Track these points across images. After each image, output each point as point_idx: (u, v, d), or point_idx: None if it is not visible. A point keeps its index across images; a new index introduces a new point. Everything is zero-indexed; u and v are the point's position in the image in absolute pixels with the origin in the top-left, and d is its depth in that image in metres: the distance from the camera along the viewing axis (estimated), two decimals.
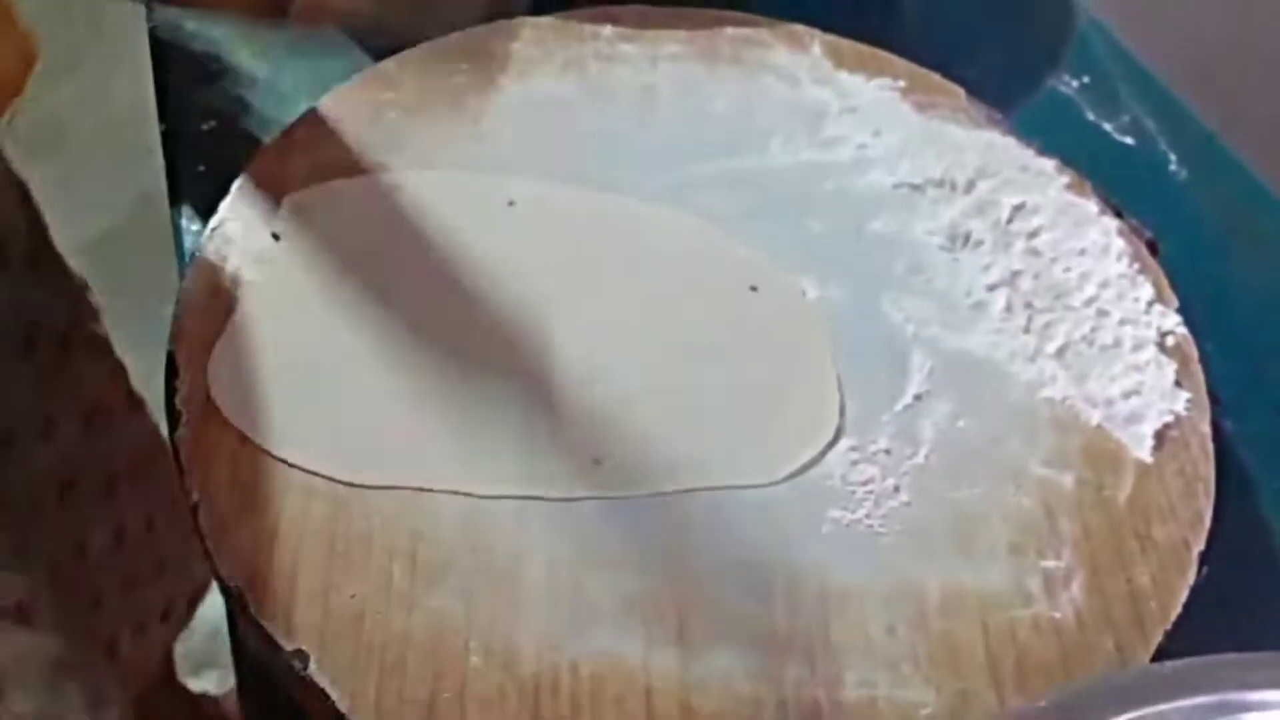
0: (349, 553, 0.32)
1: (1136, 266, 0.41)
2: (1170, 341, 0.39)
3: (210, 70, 0.50)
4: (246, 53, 0.51)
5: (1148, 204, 0.49)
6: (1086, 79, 0.56)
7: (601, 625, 0.31)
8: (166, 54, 0.51)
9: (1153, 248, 0.42)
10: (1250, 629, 0.30)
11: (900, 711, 0.30)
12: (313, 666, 0.30)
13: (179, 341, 0.36)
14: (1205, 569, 0.34)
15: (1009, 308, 0.39)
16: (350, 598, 0.31)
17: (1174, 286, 0.41)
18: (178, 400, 0.34)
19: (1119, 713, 0.25)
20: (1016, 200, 0.41)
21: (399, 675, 0.29)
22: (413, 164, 0.41)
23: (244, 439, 0.33)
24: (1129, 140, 0.54)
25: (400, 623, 0.30)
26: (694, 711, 0.29)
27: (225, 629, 0.36)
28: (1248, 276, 0.48)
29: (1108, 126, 0.54)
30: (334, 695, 0.29)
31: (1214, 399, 0.38)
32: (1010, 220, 0.40)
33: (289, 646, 0.30)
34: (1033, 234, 0.40)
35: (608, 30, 0.48)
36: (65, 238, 0.50)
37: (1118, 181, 0.51)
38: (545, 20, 0.48)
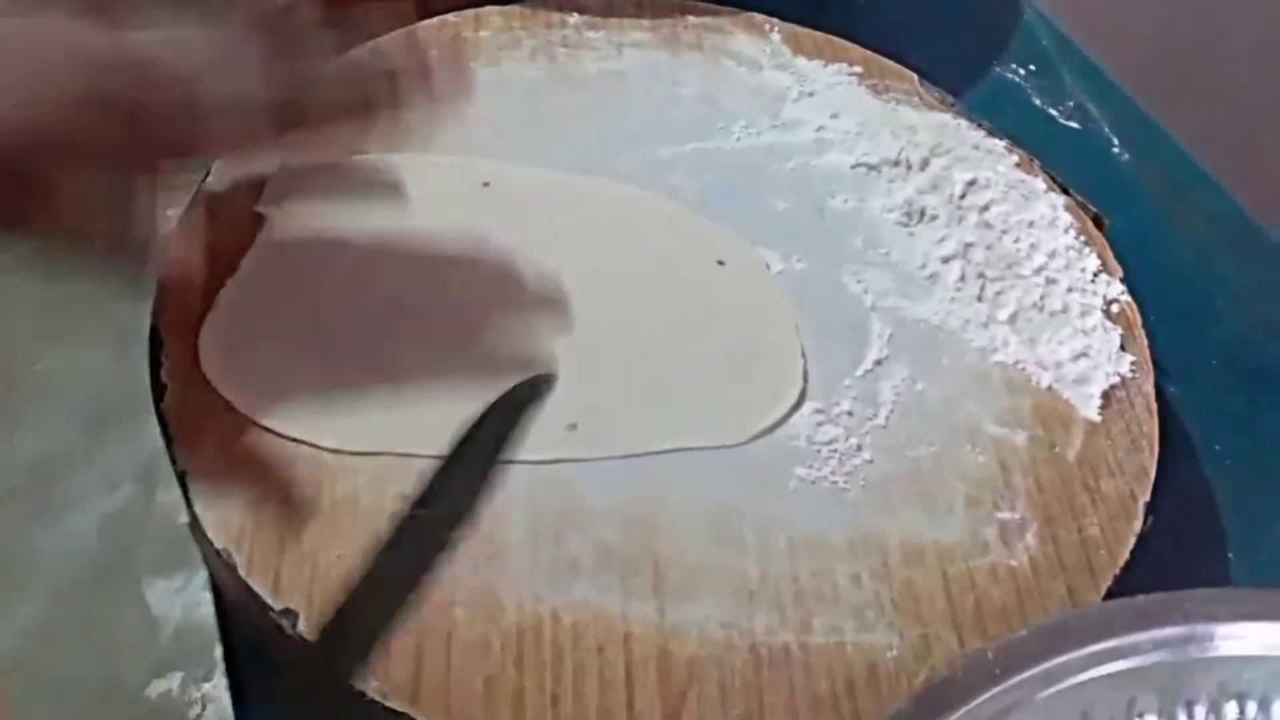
0: (335, 515, 0.33)
1: (1083, 239, 0.43)
2: (1115, 309, 0.41)
3: None
4: None
5: (1093, 184, 0.52)
6: (1033, 67, 0.59)
7: (581, 578, 0.32)
8: None
9: (1098, 222, 0.45)
10: (1192, 577, 0.32)
11: (866, 655, 0.32)
12: (301, 624, 0.31)
13: (163, 315, 0.36)
14: (1151, 519, 0.36)
15: (963, 277, 0.40)
16: (337, 557, 0.32)
17: (1119, 259, 0.44)
18: (163, 372, 0.35)
19: (1096, 641, 0.27)
20: (968, 176, 0.43)
21: None
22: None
23: (230, 409, 0.34)
24: (1074, 125, 0.56)
25: None
26: (671, 656, 0.31)
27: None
28: (1186, 250, 0.50)
29: (1053, 112, 0.57)
30: None
31: (1156, 366, 0.40)
32: (963, 195, 0.42)
33: (278, 606, 0.31)
34: (984, 208, 0.42)
35: (574, 19, 0.49)
36: None
37: (1064, 163, 0.53)
38: (514, 9, 0.49)
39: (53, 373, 0.38)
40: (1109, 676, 0.27)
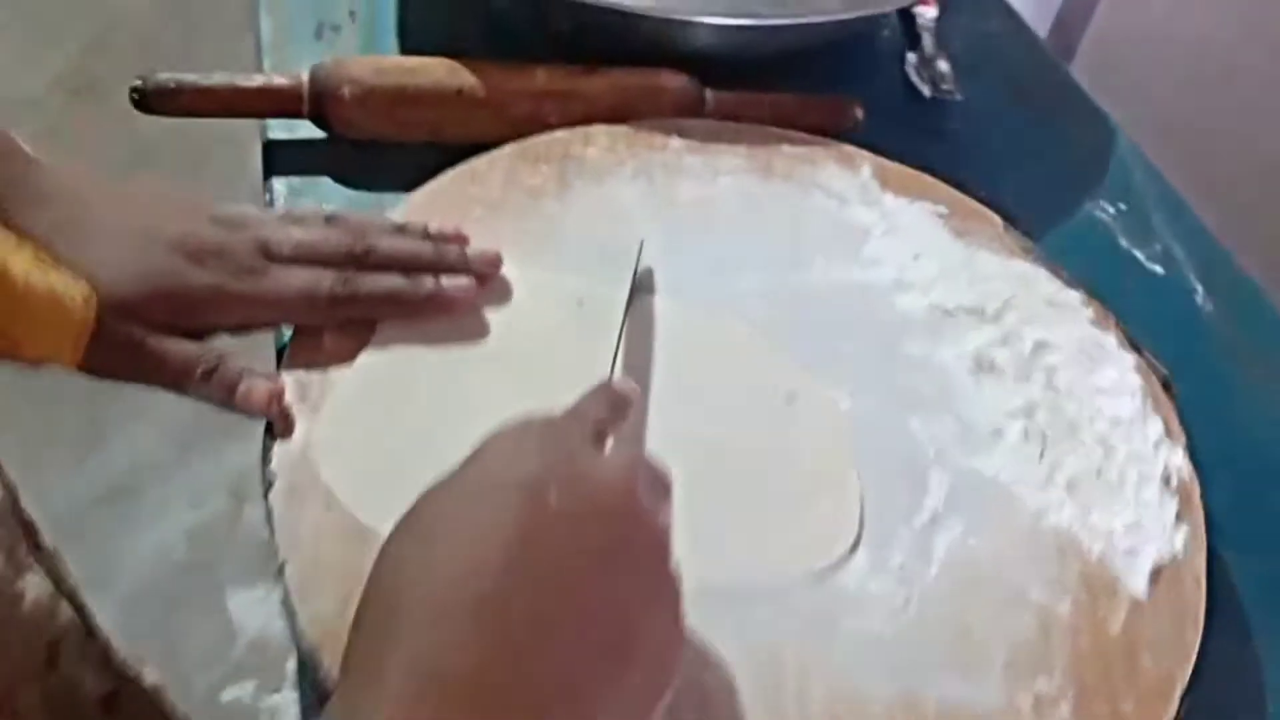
0: None
1: (1150, 403, 0.44)
2: (1174, 479, 0.42)
3: None
4: None
5: (1170, 333, 0.53)
6: (1122, 206, 0.60)
7: None
8: None
9: (1166, 385, 0.45)
10: None
11: None
12: None
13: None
14: (1187, 702, 0.37)
15: (1025, 436, 0.42)
16: None
17: (1184, 421, 0.44)
18: (273, 465, 0.39)
19: None
20: (1039, 335, 0.44)
21: None
22: None
23: (330, 505, 0.38)
24: (1158, 269, 0.57)
25: None
26: None
27: None
28: (1255, 410, 0.51)
29: (1138, 254, 0.58)
30: None
31: (1212, 526, 0.41)
32: (1032, 354, 0.44)
33: None
34: (1052, 370, 0.43)
35: (676, 142, 0.52)
36: None
37: (1143, 309, 0.54)
38: (620, 129, 0.52)
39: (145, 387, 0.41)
40: None
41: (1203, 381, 0.50)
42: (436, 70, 0.54)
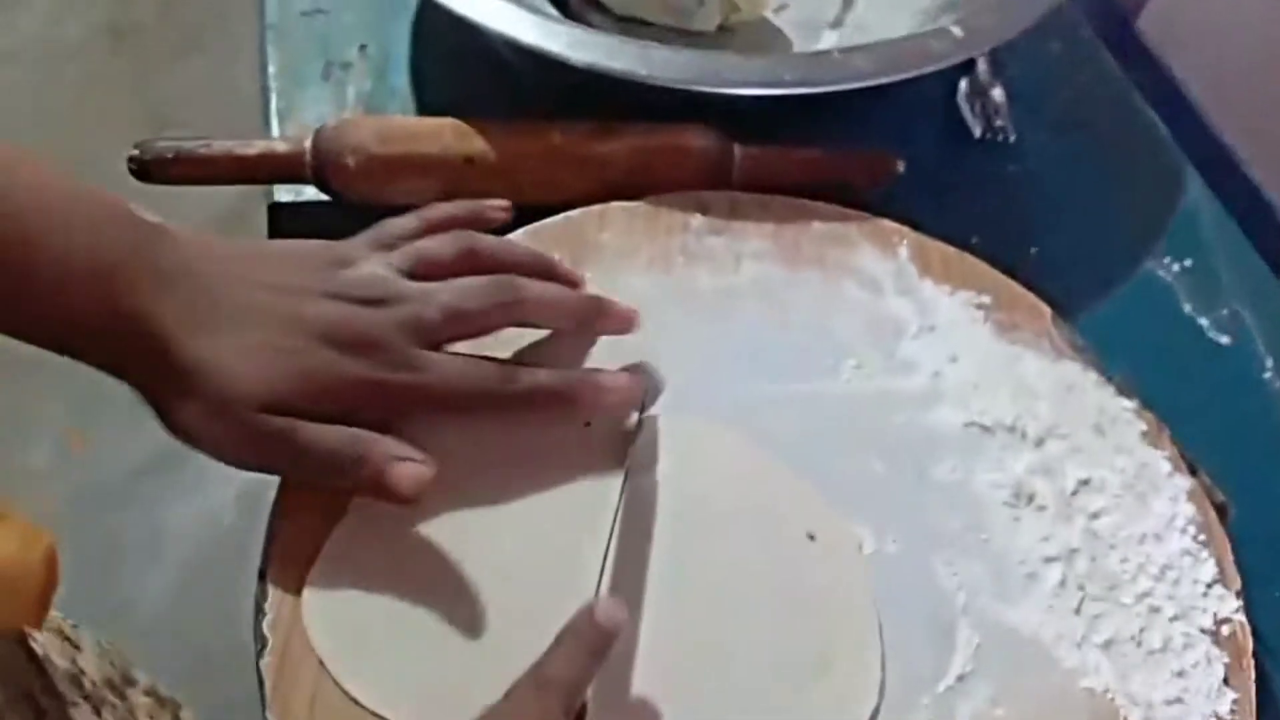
0: None
1: (1202, 540, 0.41)
2: (1225, 631, 0.39)
3: None
4: None
5: (1234, 421, 0.49)
6: (1188, 262, 0.55)
7: None
8: None
9: (1222, 511, 0.42)
10: None
11: None
12: None
13: (271, 561, 0.39)
14: None
15: (1063, 583, 0.39)
16: None
17: (1239, 549, 0.41)
18: (265, 624, 0.37)
19: None
20: (1084, 474, 0.41)
21: None
22: None
23: (322, 672, 0.36)
24: (1224, 339, 0.53)
25: None
26: None
27: None
28: None
29: (1203, 321, 0.53)
30: None
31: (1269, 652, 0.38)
32: (1075, 493, 0.41)
33: None
34: (1095, 514, 0.40)
35: (697, 220, 0.48)
36: None
37: (1203, 387, 0.50)
38: (638, 206, 0.48)
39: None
40: None
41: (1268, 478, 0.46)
42: (444, 135, 0.50)
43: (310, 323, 0.38)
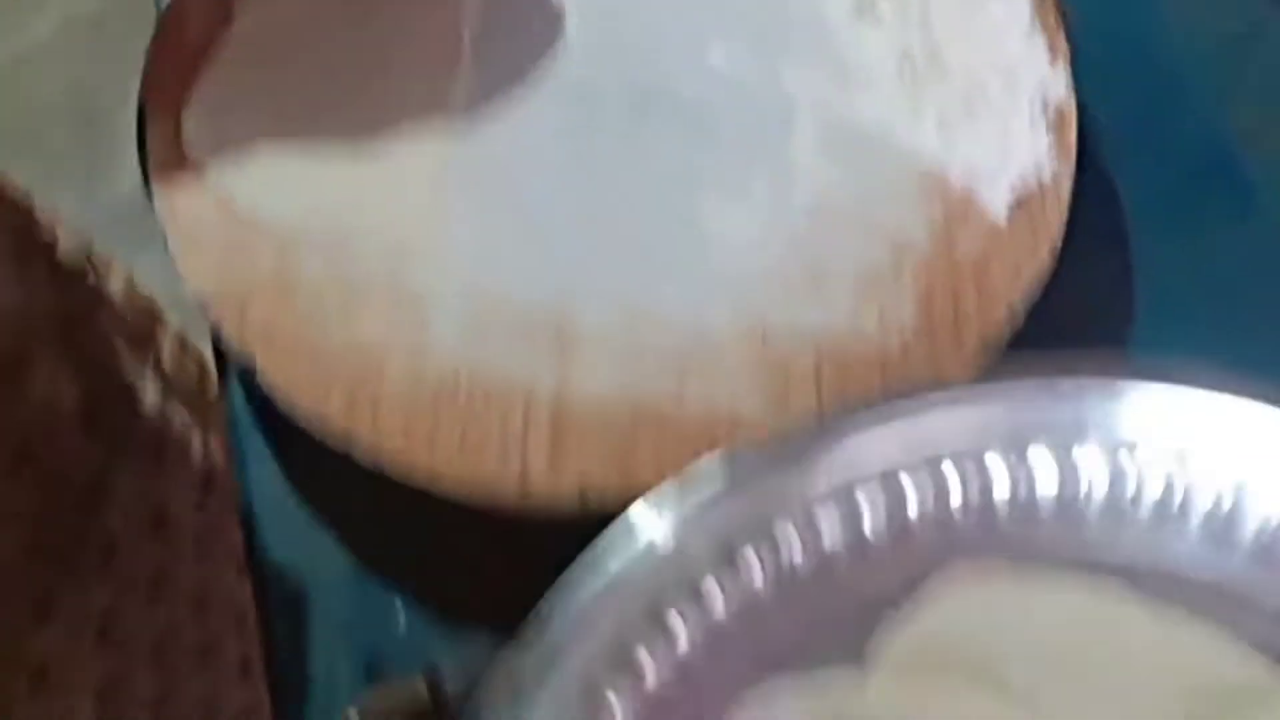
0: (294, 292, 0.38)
1: (1034, 29, 0.42)
2: (1051, 111, 0.41)
3: None
4: None
5: None
6: None
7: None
8: None
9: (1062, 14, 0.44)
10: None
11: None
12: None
13: (150, 90, 0.41)
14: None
15: (899, 78, 0.41)
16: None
17: (1073, 39, 0.42)
18: (150, 149, 0.40)
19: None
20: None
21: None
22: None
23: (206, 184, 0.39)
24: None
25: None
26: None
27: None
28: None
29: None
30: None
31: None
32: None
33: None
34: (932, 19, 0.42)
35: None
36: None
37: None
38: None
39: None
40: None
41: None
42: None
43: None
